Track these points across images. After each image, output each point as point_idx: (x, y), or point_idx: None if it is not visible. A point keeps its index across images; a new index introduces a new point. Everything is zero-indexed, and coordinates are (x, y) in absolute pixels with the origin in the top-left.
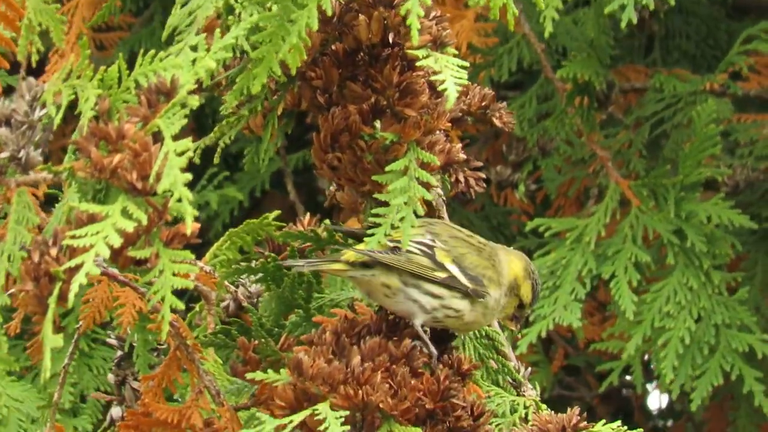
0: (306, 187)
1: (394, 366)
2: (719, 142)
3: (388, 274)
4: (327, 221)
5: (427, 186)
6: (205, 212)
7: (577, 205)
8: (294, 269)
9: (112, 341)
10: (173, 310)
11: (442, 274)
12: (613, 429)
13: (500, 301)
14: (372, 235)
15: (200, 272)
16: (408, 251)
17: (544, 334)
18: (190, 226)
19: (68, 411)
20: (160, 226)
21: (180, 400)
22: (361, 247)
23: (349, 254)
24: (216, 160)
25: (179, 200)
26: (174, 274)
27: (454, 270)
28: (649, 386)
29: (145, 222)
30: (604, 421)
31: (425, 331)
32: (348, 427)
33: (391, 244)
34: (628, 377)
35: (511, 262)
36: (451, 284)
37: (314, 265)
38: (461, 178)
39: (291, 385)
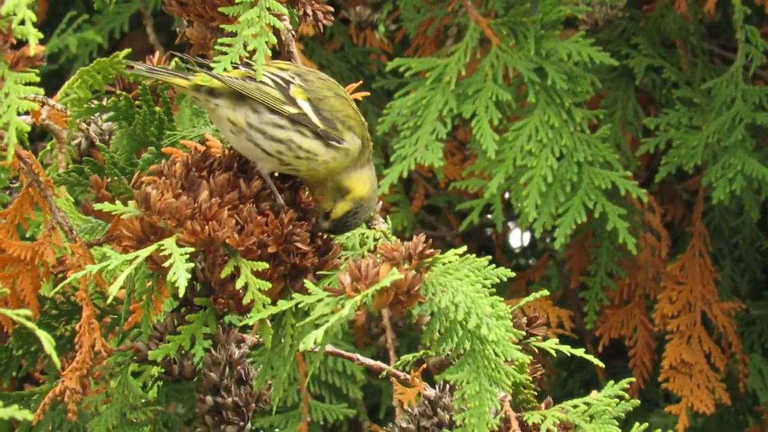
0: (166, 29)
1: (241, 205)
2: None
3: (234, 109)
4: (177, 58)
5: (278, 16)
6: (64, 56)
7: (437, 45)
8: (135, 73)
9: None
10: (24, 147)
11: (291, 109)
12: (458, 255)
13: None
14: (218, 62)
15: (52, 110)
16: (260, 81)
17: (405, 174)
18: (34, 48)
19: None
20: (5, 49)
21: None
22: (220, 73)
23: (201, 76)
24: None
25: (22, 23)
26: (20, 98)
27: (306, 107)
28: (511, 224)
29: None
30: (452, 250)
31: (273, 178)
32: (192, 264)
33: (243, 69)
34: (489, 216)
35: (367, 182)
36: (300, 121)
37: (156, 73)
38: (309, 11)
39: (138, 218)
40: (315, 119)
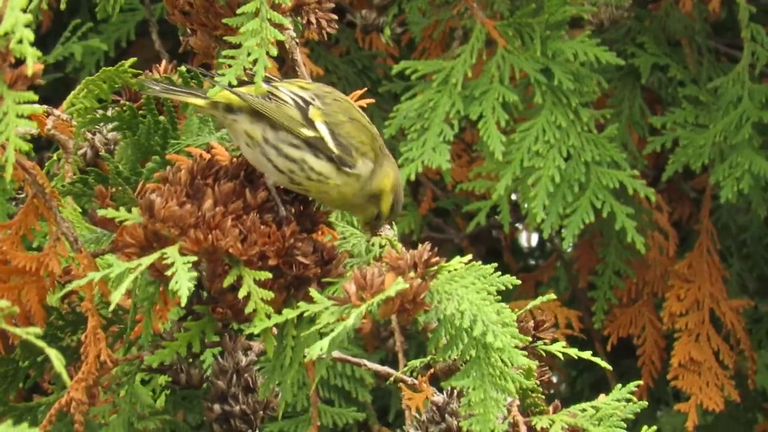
0: (172, 36)
1: (245, 215)
2: None
3: (252, 123)
4: (182, 68)
5: (280, 27)
6: (71, 64)
7: (443, 47)
8: (150, 93)
9: None
10: (29, 157)
11: (309, 132)
12: (464, 262)
13: (371, 184)
14: (223, 75)
15: (57, 120)
16: (281, 99)
17: (413, 177)
18: (32, 67)
19: None
20: (4, 68)
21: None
22: (242, 90)
23: (214, 92)
24: (62, 6)
25: (20, 41)
26: (18, 116)
27: (324, 131)
28: (519, 225)
29: None
30: (458, 257)
31: (278, 190)
32: (195, 273)
33: (266, 87)
34: (497, 217)
35: (389, 173)
36: (315, 144)
37: (170, 93)
38: (313, 19)
39: (142, 225)
40: (331, 144)
